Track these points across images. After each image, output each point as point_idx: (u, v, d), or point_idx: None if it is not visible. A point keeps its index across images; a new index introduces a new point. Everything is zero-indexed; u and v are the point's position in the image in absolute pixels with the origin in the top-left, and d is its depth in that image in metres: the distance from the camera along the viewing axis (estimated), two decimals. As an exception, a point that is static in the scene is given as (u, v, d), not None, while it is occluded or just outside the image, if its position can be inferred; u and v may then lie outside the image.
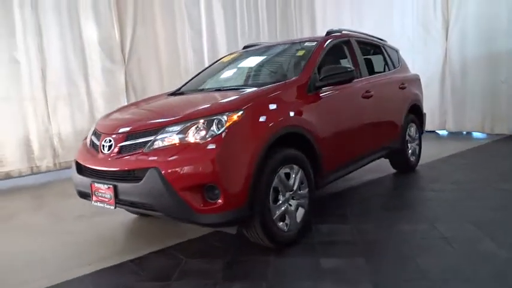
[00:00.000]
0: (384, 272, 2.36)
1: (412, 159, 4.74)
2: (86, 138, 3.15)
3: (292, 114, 2.82)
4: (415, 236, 2.84)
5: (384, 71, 4.57)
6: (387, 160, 4.70)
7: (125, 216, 3.60)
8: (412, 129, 4.76)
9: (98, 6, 6.23)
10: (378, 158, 4.18)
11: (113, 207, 2.58)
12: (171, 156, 2.36)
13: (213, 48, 7.63)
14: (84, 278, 2.48)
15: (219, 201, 2.33)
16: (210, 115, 2.47)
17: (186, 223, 2.53)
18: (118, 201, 2.55)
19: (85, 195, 2.85)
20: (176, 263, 2.63)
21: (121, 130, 2.66)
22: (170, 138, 2.44)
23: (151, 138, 2.48)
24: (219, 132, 2.39)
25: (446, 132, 7.82)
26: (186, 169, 2.31)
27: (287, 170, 2.74)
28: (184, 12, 7.25)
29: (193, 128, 2.44)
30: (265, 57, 3.94)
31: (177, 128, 2.46)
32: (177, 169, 2.32)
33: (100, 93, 6.35)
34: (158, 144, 2.45)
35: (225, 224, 2.47)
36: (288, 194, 2.74)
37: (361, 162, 3.73)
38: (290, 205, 2.77)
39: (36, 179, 5.80)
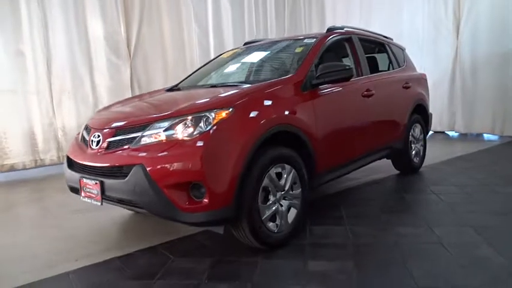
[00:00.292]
0: (371, 277, 2.28)
1: (415, 160, 4.63)
2: (79, 133, 3.13)
3: (285, 112, 2.75)
4: (410, 240, 2.75)
5: (388, 70, 4.47)
6: (390, 161, 4.60)
7: (120, 212, 3.58)
8: (417, 130, 4.64)
9: (105, 2, 6.24)
10: (379, 159, 4.08)
11: (99, 203, 2.55)
12: (157, 153, 2.32)
13: (220, 44, 7.58)
14: (68, 274, 2.45)
15: (205, 200, 2.29)
16: (198, 112, 2.42)
17: (171, 221, 2.48)
18: (104, 197, 2.52)
19: (75, 190, 2.83)
20: (163, 262, 2.59)
21: (109, 125, 2.63)
22: (157, 134, 2.40)
23: (139, 134, 2.45)
24: (207, 129, 2.34)
25: (457, 134, 7.64)
26: (171, 166, 2.26)
27: (278, 170, 2.67)
28: (191, 7, 7.23)
29: (181, 124, 2.39)
30: (264, 53, 3.87)
31: (165, 124, 2.42)
32: (162, 166, 2.28)
33: (105, 88, 6.38)
34: (145, 140, 2.41)
35: (211, 224, 2.42)
36: (279, 194, 2.68)
37: (359, 163, 3.64)
38: (281, 205, 2.71)
39: (39, 172, 5.85)
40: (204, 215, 2.32)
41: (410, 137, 4.47)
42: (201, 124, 2.36)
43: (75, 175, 2.74)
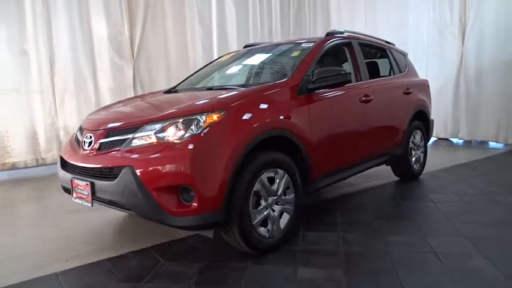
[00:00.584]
0: (361, 285, 2.25)
1: (415, 167, 4.57)
2: (74, 133, 3.14)
3: (279, 116, 2.73)
4: (402, 249, 2.71)
5: (389, 75, 4.43)
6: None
7: (116, 213, 3.55)
8: (417, 136, 4.59)
9: (109, 2, 6.26)
10: (378, 165, 4.04)
11: (89, 205, 2.55)
12: (147, 155, 2.31)
13: (224, 45, 7.57)
14: (55, 276, 2.45)
15: (194, 203, 2.27)
16: (189, 115, 2.41)
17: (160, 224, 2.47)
18: (95, 198, 2.52)
19: (68, 191, 2.84)
20: (153, 264, 2.58)
21: (101, 127, 2.63)
22: (148, 136, 2.39)
23: (130, 136, 2.44)
24: (197, 132, 2.32)
25: (461, 141, 7.55)
26: (161, 169, 2.26)
27: (271, 174, 2.65)
28: (195, 8, 7.23)
29: (172, 127, 2.38)
30: (263, 57, 3.85)
31: (156, 126, 2.41)
32: (151, 168, 2.27)
33: (107, 88, 6.39)
34: (136, 142, 2.41)
35: (200, 228, 2.41)
36: (270, 199, 2.66)
37: (356, 169, 3.60)
38: (273, 210, 2.69)
39: (41, 171, 5.87)
40: (193, 218, 2.30)
41: (410, 143, 4.42)
42: (192, 127, 2.35)
43: (68, 175, 2.74)
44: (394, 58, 4.50)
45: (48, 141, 5.94)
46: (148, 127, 2.42)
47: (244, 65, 3.89)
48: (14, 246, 2.99)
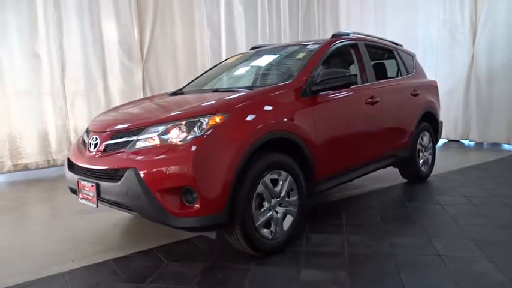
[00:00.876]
0: (364, 288, 2.24)
1: (423, 169, 4.53)
2: (81, 135, 3.19)
3: (282, 118, 2.74)
4: (407, 251, 2.69)
5: (397, 76, 4.40)
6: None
7: (123, 214, 3.58)
8: (425, 138, 4.55)
9: (119, 6, 6.34)
10: (384, 167, 4.02)
11: (95, 206, 2.59)
12: (151, 157, 2.34)
13: (232, 47, 7.60)
14: (61, 276, 2.48)
15: (196, 205, 2.29)
16: (192, 117, 2.43)
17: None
18: (100, 199, 2.56)
19: (74, 192, 2.88)
20: (157, 265, 2.60)
21: (107, 129, 2.67)
22: (152, 138, 2.42)
23: (134, 138, 2.47)
24: (200, 134, 2.34)
25: (473, 143, 7.44)
26: (164, 171, 2.28)
27: (274, 176, 2.66)
28: (204, 11, 7.28)
29: (175, 129, 2.40)
30: (269, 59, 3.87)
31: (160, 128, 2.44)
32: (154, 170, 2.30)
33: (117, 90, 6.47)
34: (140, 144, 2.44)
35: (203, 229, 2.42)
36: (274, 201, 2.66)
37: (362, 171, 3.59)
38: (276, 212, 2.69)
39: (52, 172, 5.96)
40: (196, 220, 2.32)
41: (418, 145, 4.39)
42: (195, 129, 2.37)
43: (74, 177, 2.78)
44: (401, 59, 4.47)
45: (59, 142, 6.03)
46: (152, 129, 2.45)
47: (250, 67, 3.91)
48: (23, 247, 3.05)
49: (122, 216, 3.59)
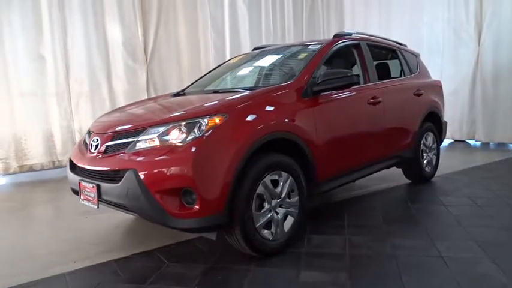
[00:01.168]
0: (364, 290, 2.23)
1: (427, 169, 4.50)
2: (83, 137, 3.20)
3: (282, 118, 2.73)
4: (409, 253, 2.67)
5: (400, 76, 4.37)
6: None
7: (126, 215, 3.59)
8: (429, 138, 4.52)
9: (123, 7, 6.36)
10: (387, 168, 3.99)
11: (95, 207, 2.60)
12: (150, 158, 2.34)
13: (236, 48, 7.59)
14: (63, 276, 2.50)
15: (196, 206, 2.29)
16: (192, 118, 2.43)
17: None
18: (101, 200, 2.57)
19: (76, 193, 2.89)
20: (158, 266, 2.61)
21: (107, 130, 2.68)
22: (151, 139, 2.42)
23: (134, 139, 2.48)
24: (199, 135, 2.34)
25: (479, 143, 7.37)
26: (163, 172, 2.28)
27: (275, 177, 2.65)
28: (208, 11, 7.28)
29: (175, 130, 2.41)
30: (271, 59, 3.86)
31: (159, 129, 2.44)
32: (154, 171, 2.30)
33: (121, 91, 6.49)
34: (140, 145, 2.44)
35: (202, 230, 2.43)
36: (274, 202, 2.65)
37: (364, 171, 3.56)
38: (277, 213, 2.68)
39: (57, 173, 5.99)
40: (195, 221, 2.32)
41: (421, 145, 4.35)
42: (195, 130, 2.37)
43: (76, 178, 2.80)
44: (405, 59, 4.43)
45: (64, 143, 6.07)
46: (152, 130, 2.46)
47: (252, 68, 3.90)
48: (27, 247, 3.07)
49: (124, 217, 3.60)
